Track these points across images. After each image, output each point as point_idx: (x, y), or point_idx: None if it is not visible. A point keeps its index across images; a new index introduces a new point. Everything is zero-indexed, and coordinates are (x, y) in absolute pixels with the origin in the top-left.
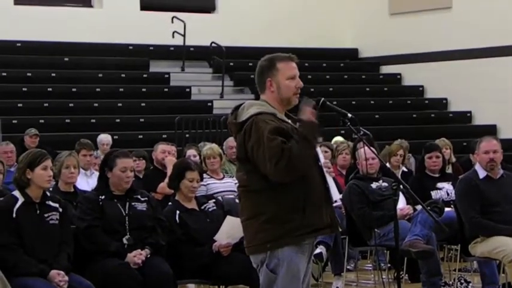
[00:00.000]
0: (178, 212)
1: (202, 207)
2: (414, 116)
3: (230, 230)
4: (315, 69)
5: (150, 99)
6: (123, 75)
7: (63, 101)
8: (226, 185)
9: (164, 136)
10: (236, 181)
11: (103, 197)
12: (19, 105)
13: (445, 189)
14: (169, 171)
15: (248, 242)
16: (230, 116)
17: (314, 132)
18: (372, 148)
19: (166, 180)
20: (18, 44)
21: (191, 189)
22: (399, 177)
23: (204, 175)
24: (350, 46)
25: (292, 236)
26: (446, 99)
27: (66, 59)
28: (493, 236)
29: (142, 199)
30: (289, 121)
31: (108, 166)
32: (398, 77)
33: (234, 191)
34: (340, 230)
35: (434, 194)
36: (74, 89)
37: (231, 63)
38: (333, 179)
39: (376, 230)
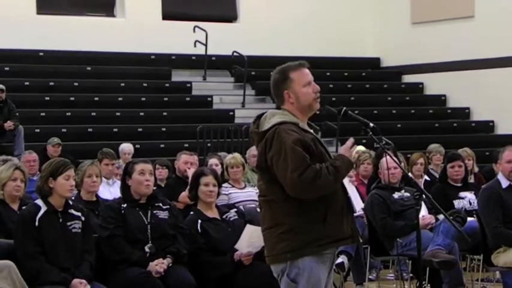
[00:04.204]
0: (200, 221)
1: (224, 217)
2: (436, 125)
3: (250, 239)
4: (336, 78)
5: (172, 109)
6: (145, 85)
7: (86, 110)
8: (247, 194)
9: (186, 145)
10: (257, 190)
11: (125, 205)
12: (42, 114)
13: (468, 199)
14: None
15: (268, 252)
16: (252, 125)
17: (348, 171)
18: (394, 157)
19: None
20: (41, 54)
21: (208, 194)
22: (422, 186)
23: (226, 184)
24: (372, 55)
25: (312, 247)
26: (468, 108)
27: (88, 68)
28: None
29: (164, 207)
30: (311, 130)
31: (128, 173)
32: (421, 86)
33: (256, 201)
34: (361, 240)
35: (457, 204)
36: (96, 98)
37: (253, 73)
38: (355, 187)
39: (398, 239)
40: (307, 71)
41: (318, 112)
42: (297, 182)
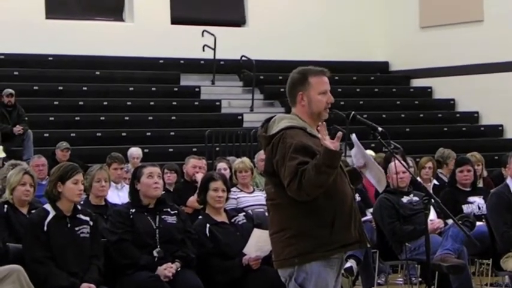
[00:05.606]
0: (208, 225)
1: (232, 221)
2: (445, 129)
3: (258, 243)
4: (345, 83)
5: (181, 113)
6: (153, 89)
7: (94, 114)
8: (256, 198)
9: (194, 149)
10: (265, 194)
11: (133, 210)
12: (50, 118)
13: (477, 203)
14: None
15: (276, 256)
16: (260, 129)
17: (332, 162)
18: (402, 162)
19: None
20: (50, 58)
21: (217, 199)
22: (430, 190)
23: (235, 188)
24: (381, 59)
25: (320, 251)
26: (477, 112)
27: (97, 72)
28: None
29: (172, 212)
30: (319, 135)
31: (137, 178)
32: (429, 90)
33: (264, 205)
34: (369, 245)
35: (466, 208)
36: (105, 103)
37: (261, 77)
38: (362, 189)
39: (407, 244)
40: (326, 79)
41: (326, 118)
42: (288, 190)
